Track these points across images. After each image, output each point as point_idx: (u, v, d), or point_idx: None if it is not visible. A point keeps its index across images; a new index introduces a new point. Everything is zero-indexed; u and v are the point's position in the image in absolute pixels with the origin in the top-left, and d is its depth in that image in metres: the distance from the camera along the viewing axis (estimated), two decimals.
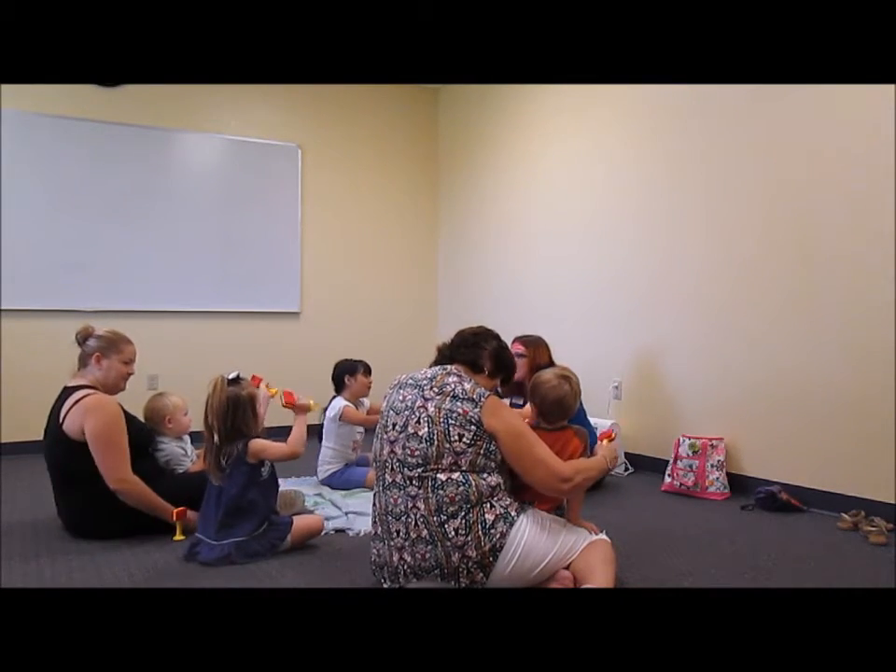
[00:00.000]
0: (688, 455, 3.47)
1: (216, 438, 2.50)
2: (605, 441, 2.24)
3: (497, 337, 2.26)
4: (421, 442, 1.96)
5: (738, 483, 3.41)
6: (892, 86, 2.80)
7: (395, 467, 2.00)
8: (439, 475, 1.93)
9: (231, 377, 2.55)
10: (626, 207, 4.14)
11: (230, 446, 2.50)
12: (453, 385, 2.01)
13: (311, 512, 2.97)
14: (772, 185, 3.32)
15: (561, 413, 2.27)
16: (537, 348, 3.68)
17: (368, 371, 3.75)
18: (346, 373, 3.70)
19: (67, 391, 2.72)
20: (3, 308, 4.49)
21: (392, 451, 2.01)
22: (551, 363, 3.58)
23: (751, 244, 3.42)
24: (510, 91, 5.10)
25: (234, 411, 2.50)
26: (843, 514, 2.88)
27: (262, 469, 2.56)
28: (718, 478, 3.39)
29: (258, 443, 2.52)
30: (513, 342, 3.67)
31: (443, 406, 1.97)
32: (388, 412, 2.08)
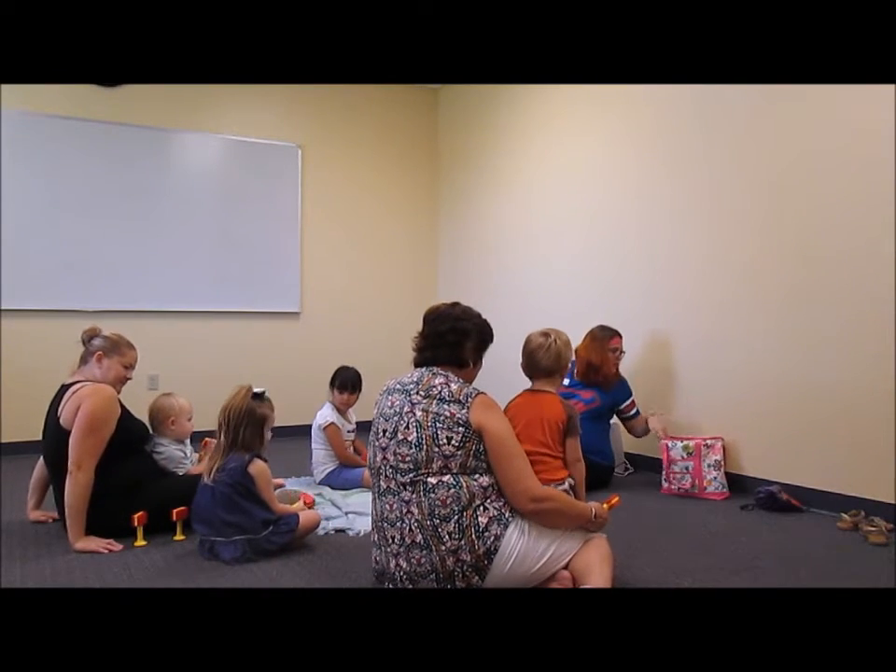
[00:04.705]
0: (682, 457, 3.46)
1: (223, 440, 2.55)
2: (604, 504, 2.19)
3: (474, 321, 2.15)
4: (411, 448, 1.94)
5: (738, 483, 3.41)
6: (892, 86, 2.80)
7: (388, 473, 1.99)
8: (429, 479, 1.92)
9: (256, 391, 2.60)
10: (627, 207, 4.14)
11: (235, 452, 2.53)
12: (439, 388, 1.99)
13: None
14: (772, 186, 3.32)
15: (560, 368, 2.38)
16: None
17: (343, 386, 3.61)
18: (330, 384, 3.68)
19: (64, 388, 2.74)
20: (3, 308, 4.50)
21: (384, 457, 2.00)
22: None
23: (751, 245, 3.42)
24: (510, 91, 5.10)
25: (247, 422, 2.55)
26: (843, 514, 2.88)
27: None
28: (716, 478, 3.39)
29: (261, 467, 2.55)
30: (615, 336, 3.77)
31: (431, 409, 1.96)
32: (378, 418, 2.07)
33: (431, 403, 1.97)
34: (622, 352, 3.78)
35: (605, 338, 3.75)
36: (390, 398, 2.07)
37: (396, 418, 2.00)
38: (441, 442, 1.92)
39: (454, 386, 2.00)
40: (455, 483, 1.91)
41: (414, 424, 1.96)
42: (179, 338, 5.01)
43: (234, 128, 5.23)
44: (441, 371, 2.06)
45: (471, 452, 1.94)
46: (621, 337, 3.79)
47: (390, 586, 2.01)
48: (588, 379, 3.71)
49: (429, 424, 1.94)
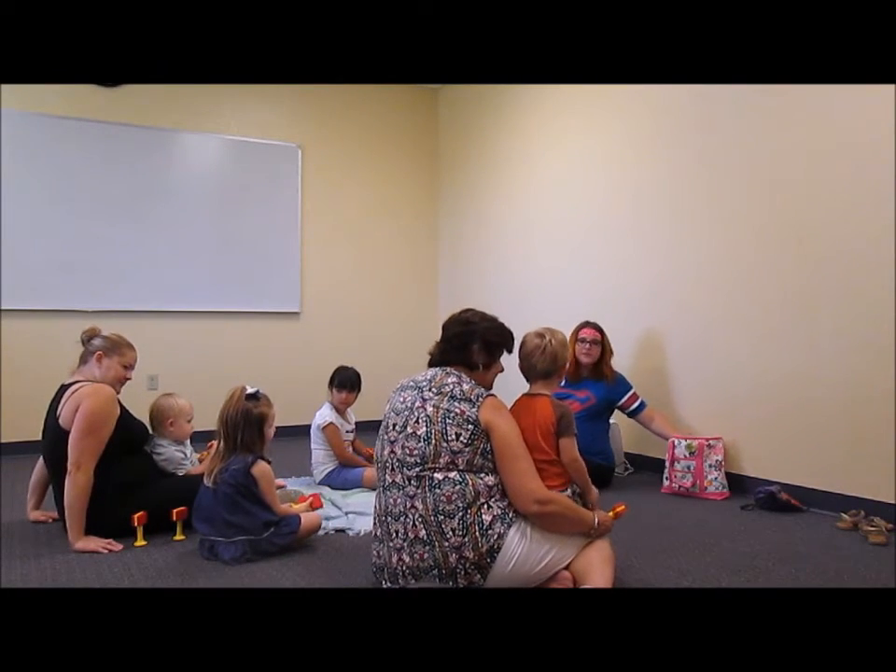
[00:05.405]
0: (685, 456, 3.47)
1: (222, 444, 2.54)
2: (610, 513, 2.20)
3: (482, 322, 2.17)
4: (419, 442, 1.96)
5: (738, 483, 3.41)
6: (892, 86, 2.80)
7: (394, 467, 2.00)
8: (436, 474, 1.93)
9: (249, 391, 2.58)
10: (626, 208, 4.14)
11: (238, 455, 2.53)
12: (451, 386, 2.02)
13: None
14: (772, 186, 3.32)
15: (557, 369, 2.31)
16: (604, 334, 3.79)
17: (342, 385, 3.63)
18: (329, 384, 3.69)
19: (64, 388, 2.75)
20: (3, 308, 4.50)
21: (392, 451, 2.02)
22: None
23: (750, 245, 3.42)
24: (510, 91, 5.10)
25: (244, 425, 2.53)
26: (843, 514, 2.88)
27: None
28: (716, 478, 3.39)
29: (264, 468, 2.53)
30: (584, 327, 3.76)
31: (441, 406, 1.98)
32: (389, 413, 2.09)
33: (443, 400, 1.99)
34: (593, 343, 3.71)
35: (578, 329, 3.77)
36: (402, 394, 2.09)
37: (406, 413, 2.02)
38: (449, 438, 1.94)
39: (465, 386, 2.03)
40: (460, 479, 1.92)
41: (424, 418, 1.98)
42: (179, 338, 5.00)
43: (234, 128, 5.22)
44: (454, 371, 2.09)
45: (479, 450, 1.96)
46: (596, 329, 3.76)
47: (391, 581, 2.01)
48: (576, 377, 3.72)
49: (439, 419, 1.96)
